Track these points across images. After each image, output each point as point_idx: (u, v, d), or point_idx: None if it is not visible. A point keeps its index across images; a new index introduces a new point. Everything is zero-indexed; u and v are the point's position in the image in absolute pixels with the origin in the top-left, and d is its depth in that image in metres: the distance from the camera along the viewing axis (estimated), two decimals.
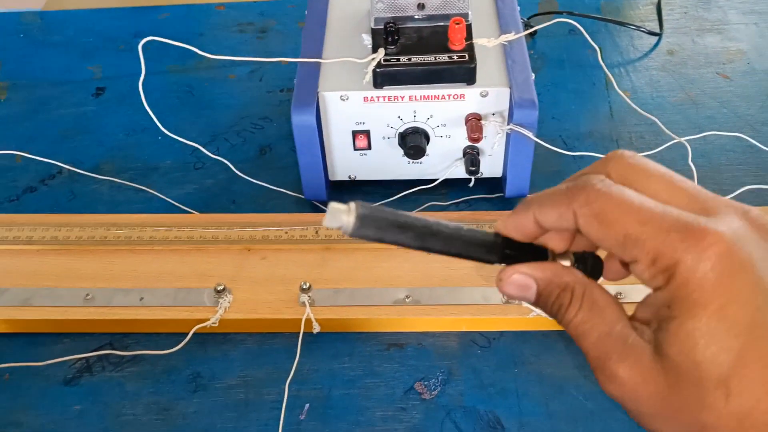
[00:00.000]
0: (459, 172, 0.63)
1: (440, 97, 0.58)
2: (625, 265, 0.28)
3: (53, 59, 0.82)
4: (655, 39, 0.80)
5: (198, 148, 0.65)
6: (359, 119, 0.60)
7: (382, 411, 0.51)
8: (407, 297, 0.55)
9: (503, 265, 0.30)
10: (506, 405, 0.51)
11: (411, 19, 0.59)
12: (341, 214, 0.27)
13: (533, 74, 0.59)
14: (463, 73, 0.57)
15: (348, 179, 0.64)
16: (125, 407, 0.52)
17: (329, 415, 0.51)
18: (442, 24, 0.59)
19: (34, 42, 0.84)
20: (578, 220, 0.27)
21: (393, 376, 0.53)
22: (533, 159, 0.60)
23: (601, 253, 0.30)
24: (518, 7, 0.66)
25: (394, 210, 0.28)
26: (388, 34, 0.58)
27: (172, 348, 0.54)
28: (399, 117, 0.60)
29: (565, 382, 0.52)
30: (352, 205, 0.27)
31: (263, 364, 0.54)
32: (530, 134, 0.57)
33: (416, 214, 0.28)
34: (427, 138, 0.60)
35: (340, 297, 0.55)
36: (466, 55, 0.57)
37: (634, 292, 0.53)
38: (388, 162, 0.63)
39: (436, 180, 0.63)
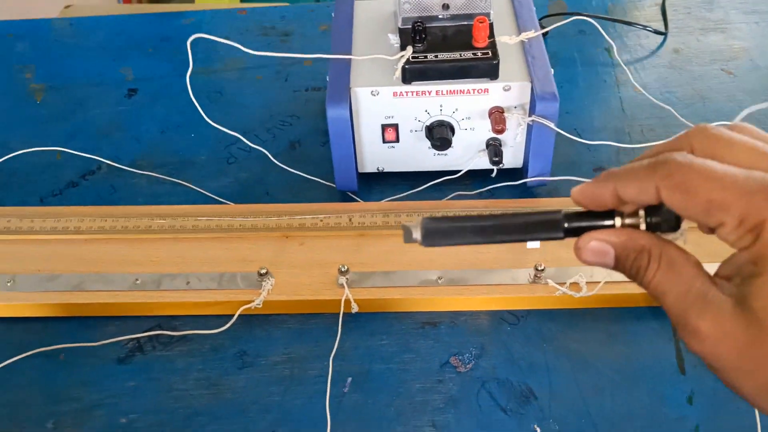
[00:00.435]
0: (481, 163, 0.66)
1: (465, 91, 0.62)
2: (710, 231, 0.29)
3: (85, 63, 0.85)
4: (661, 38, 0.84)
5: (238, 139, 0.69)
6: (388, 113, 0.63)
7: (421, 383, 0.54)
8: (439, 278, 0.58)
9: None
10: (536, 377, 0.54)
11: (436, 18, 0.63)
12: (412, 231, 0.32)
13: (552, 69, 0.63)
14: (487, 68, 0.61)
15: (376, 171, 0.68)
16: (176, 383, 0.55)
17: (371, 388, 0.54)
18: (465, 23, 0.63)
19: (66, 47, 0.88)
20: (661, 193, 0.28)
21: (428, 351, 0.56)
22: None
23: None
24: (534, 8, 0.69)
25: (457, 216, 0.32)
26: (415, 32, 0.61)
27: (218, 328, 0.57)
28: (426, 111, 0.63)
29: (590, 356, 0.55)
30: (419, 220, 0.32)
31: (305, 342, 0.57)
32: (551, 125, 0.61)
33: (475, 214, 0.33)
34: (453, 130, 0.64)
35: (375, 279, 0.59)
36: (490, 52, 0.61)
37: None
38: (414, 154, 0.66)
39: (460, 171, 0.67)
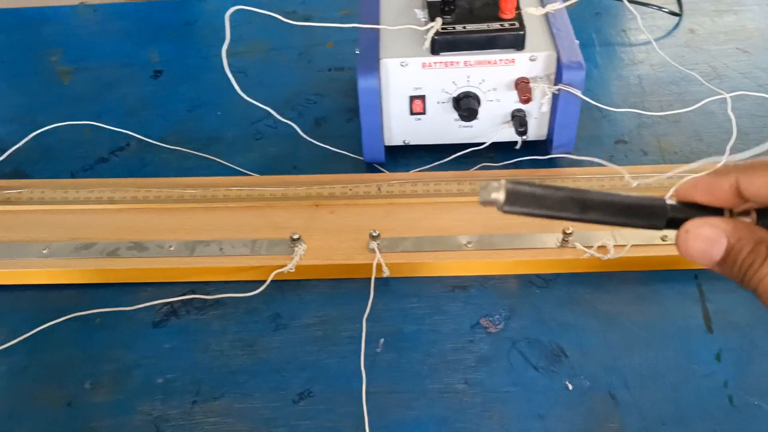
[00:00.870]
0: (506, 135, 0.67)
1: (492, 62, 0.63)
2: None
3: (111, 46, 0.87)
4: (676, 19, 0.86)
5: (265, 116, 0.70)
6: (417, 84, 0.64)
7: (452, 343, 0.55)
8: (468, 243, 0.59)
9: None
10: (567, 336, 0.55)
11: None
12: (492, 191, 0.27)
13: (577, 40, 0.64)
14: (514, 39, 0.62)
15: (402, 143, 0.69)
16: (212, 344, 0.56)
17: (403, 347, 0.55)
18: None
19: (91, 32, 0.89)
20: None
21: (459, 313, 0.57)
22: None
23: None
24: None
25: (545, 185, 0.27)
26: (444, 4, 0.63)
27: (251, 292, 0.58)
28: (453, 82, 0.64)
29: (619, 316, 0.56)
30: (503, 181, 0.27)
31: (337, 305, 0.58)
32: (579, 92, 0.62)
33: (567, 185, 0.27)
34: (479, 102, 0.65)
35: (406, 244, 0.60)
36: (516, 23, 0.62)
37: None
38: (440, 126, 0.67)
39: (484, 143, 0.68)
